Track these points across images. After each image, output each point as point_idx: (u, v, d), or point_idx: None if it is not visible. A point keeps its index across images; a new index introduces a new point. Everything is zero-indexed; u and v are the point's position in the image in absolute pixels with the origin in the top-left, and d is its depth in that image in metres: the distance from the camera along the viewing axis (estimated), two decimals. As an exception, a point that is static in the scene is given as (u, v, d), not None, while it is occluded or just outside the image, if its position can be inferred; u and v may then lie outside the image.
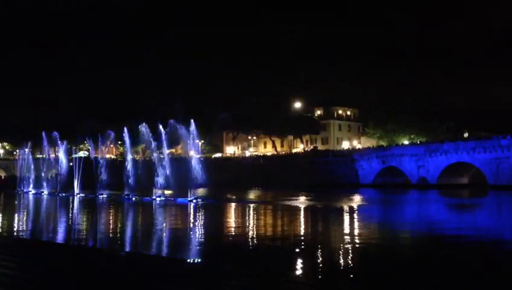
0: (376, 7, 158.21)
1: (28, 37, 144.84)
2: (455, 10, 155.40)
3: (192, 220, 29.12)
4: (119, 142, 77.85)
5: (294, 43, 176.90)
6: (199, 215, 32.42)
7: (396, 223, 27.72)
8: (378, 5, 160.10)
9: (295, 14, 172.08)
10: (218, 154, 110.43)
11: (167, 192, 49.16)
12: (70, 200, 48.42)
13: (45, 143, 69.90)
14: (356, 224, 26.20)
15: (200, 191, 49.37)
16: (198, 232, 23.03)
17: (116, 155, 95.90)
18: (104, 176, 56.29)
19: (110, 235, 22.24)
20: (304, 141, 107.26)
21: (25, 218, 32.08)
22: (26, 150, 76.73)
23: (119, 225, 27.09)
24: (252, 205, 39.01)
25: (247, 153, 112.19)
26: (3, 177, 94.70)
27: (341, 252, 16.56)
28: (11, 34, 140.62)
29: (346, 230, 23.37)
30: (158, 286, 8.59)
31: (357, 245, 18.40)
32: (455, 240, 20.00)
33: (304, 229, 24.30)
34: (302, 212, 33.20)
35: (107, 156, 79.39)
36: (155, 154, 52.54)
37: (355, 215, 30.75)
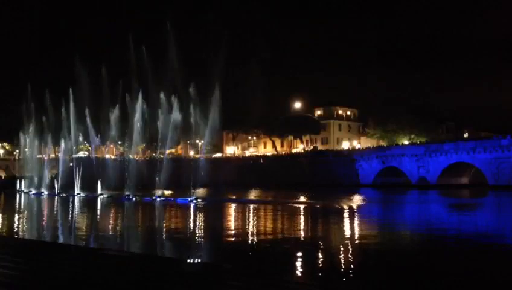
0: (376, 7, 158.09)
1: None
2: (454, 11, 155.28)
3: (192, 221, 29.13)
4: (120, 142, 77.78)
5: (294, 43, 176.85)
6: (199, 216, 32.43)
7: (396, 223, 27.72)
8: (378, 4, 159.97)
9: (295, 14, 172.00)
10: (218, 155, 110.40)
11: (167, 192, 49.18)
12: (71, 201, 48.40)
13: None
14: (356, 224, 26.20)
15: (200, 191, 49.36)
16: (198, 233, 23.04)
17: (116, 155, 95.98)
18: (104, 176, 56.28)
19: (110, 235, 22.25)
20: (304, 141, 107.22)
21: (25, 218, 32.09)
22: (26, 150, 76.69)
23: (120, 225, 27.10)
24: (252, 205, 39.03)
25: (247, 153, 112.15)
26: (3, 177, 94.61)
27: (341, 253, 16.56)
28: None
29: (346, 230, 23.38)
30: (158, 286, 8.60)
31: (357, 245, 18.41)
32: (455, 240, 20.00)
33: (304, 229, 24.30)
34: (302, 213, 33.21)
35: (107, 156, 79.35)
36: (155, 154, 52.61)
37: (355, 216, 30.76)
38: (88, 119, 62.85)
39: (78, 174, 59.46)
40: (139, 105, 51.21)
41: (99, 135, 64.68)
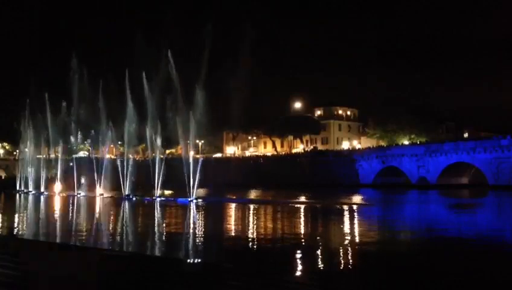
0: (376, 7, 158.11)
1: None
2: (454, 11, 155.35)
3: (192, 221, 29.13)
4: (120, 142, 77.69)
5: (295, 43, 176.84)
6: (199, 216, 32.43)
7: (396, 223, 27.71)
8: (378, 4, 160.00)
9: (295, 14, 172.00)
10: (218, 154, 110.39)
11: (167, 192, 49.18)
12: (71, 201, 48.41)
13: None
14: (356, 224, 26.21)
15: (200, 191, 49.35)
16: (198, 233, 23.03)
17: (116, 155, 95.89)
18: (104, 176, 56.21)
19: (110, 235, 22.26)
20: (304, 141, 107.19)
21: (25, 218, 32.09)
22: (26, 150, 76.64)
23: (119, 225, 27.09)
24: (252, 205, 39.02)
25: (247, 153, 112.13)
26: (3, 177, 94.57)
27: (341, 253, 16.57)
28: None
29: (346, 230, 23.37)
30: (158, 286, 8.60)
31: (356, 245, 18.41)
32: (455, 240, 20.00)
33: (304, 229, 24.30)
34: (302, 213, 33.21)
35: (107, 156, 79.17)
36: (155, 154, 52.49)
37: (355, 216, 30.76)
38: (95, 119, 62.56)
39: (78, 174, 59.46)
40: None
41: (99, 135, 64.47)
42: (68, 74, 61.27)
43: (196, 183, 42.74)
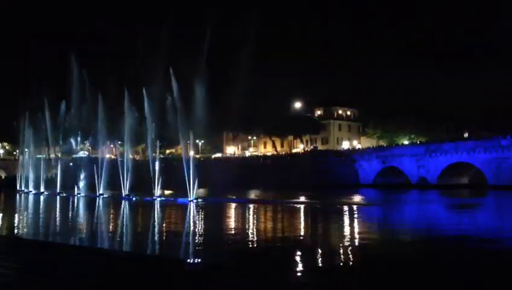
0: (376, 6, 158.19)
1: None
2: (455, 10, 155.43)
3: (192, 221, 29.13)
4: (119, 142, 77.74)
5: (295, 42, 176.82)
6: (199, 216, 32.43)
7: (396, 223, 27.72)
8: (379, 3, 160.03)
9: (296, 13, 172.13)
10: (218, 154, 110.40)
11: (167, 192, 49.16)
12: (71, 201, 48.40)
13: None
14: (356, 224, 26.21)
15: (200, 191, 49.34)
16: (198, 233, 23.04)
17: (115, 155, 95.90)
18: (104, 176, 56.20)
19: (110, 235, 22.26)
20: (304, 141, 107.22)
21: (24, 218, 32.10)
22: (26, 149, 76.67)
23: (120, 225, 27.10)
24: (252, 205, 39.02)
25: (247, 153, 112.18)
26: (3, 177, 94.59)
27: (341, 253, 16.57)
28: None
29: (346, 230, 23.37)
30: (158, 286, 8.60)
31: (357, 246, 18.41)
32: (455, 240, 20.00)
33: (304, 229, 24.30)
34: (302, 213, 33.20)
35: (107, 155, 79.22)
36: (155, 155, 52.47)
37: (355, 216, 30.76)
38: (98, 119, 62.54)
39: (78, 174, 59.45)
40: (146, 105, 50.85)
41: (99, 135, 64.52)
42: (68, 73, 61.36)
43: (196, 183, 42.69)
